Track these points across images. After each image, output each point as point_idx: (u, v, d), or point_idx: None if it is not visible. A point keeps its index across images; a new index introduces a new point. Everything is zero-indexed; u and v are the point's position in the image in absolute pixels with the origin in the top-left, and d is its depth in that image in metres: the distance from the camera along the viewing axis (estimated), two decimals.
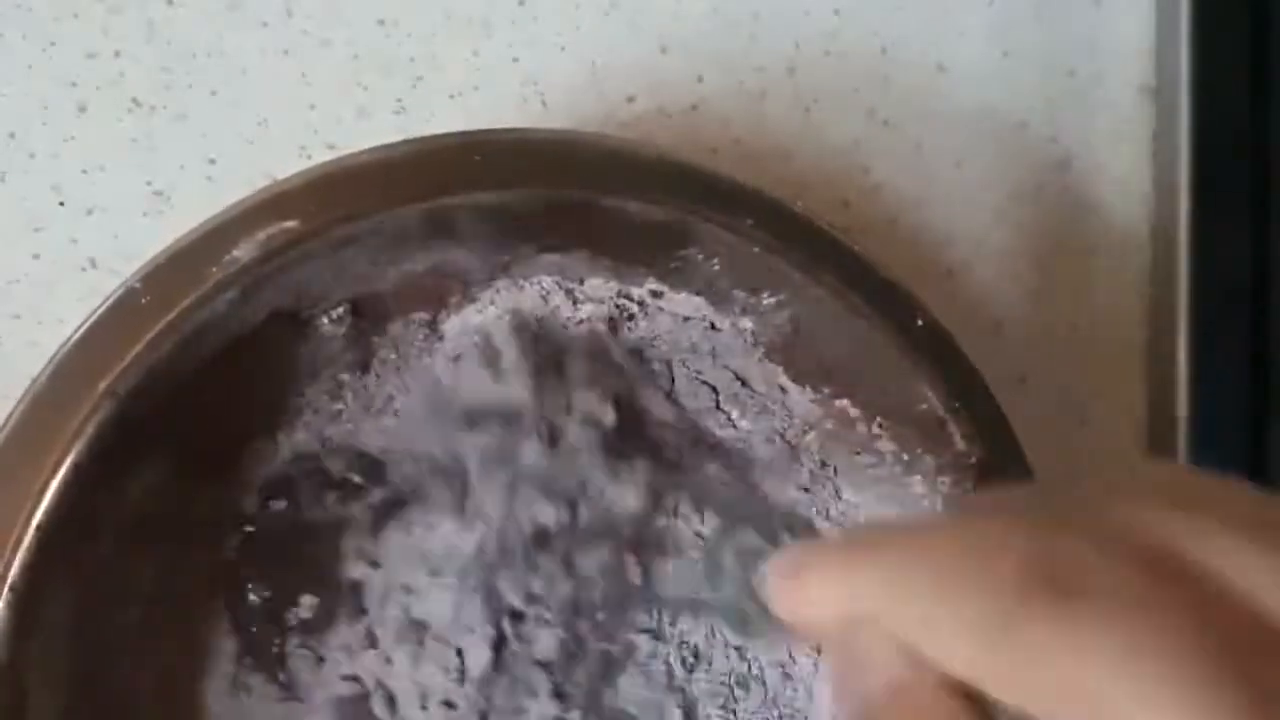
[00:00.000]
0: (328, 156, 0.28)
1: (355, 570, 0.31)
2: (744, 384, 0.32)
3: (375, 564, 0.31)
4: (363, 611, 0.31)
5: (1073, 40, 0.39)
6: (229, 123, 0.35)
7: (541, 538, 0.31)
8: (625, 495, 0.31)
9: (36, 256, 0.34)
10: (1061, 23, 0.39)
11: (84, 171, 0.34)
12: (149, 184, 0.35)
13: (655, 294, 0.30)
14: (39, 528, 0.24)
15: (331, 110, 0.35)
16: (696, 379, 0.32)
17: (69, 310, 0.34)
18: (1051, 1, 0.39)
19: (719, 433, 0.33)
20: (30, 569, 0.24)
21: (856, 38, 0.38)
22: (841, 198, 0.37)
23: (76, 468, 0.25)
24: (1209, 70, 0.37)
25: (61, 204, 0.34)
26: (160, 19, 0.35)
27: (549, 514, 0.31)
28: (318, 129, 0.35)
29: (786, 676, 0.32)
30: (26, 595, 0.24)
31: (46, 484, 0.24)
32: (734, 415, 0.33)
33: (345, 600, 0.31)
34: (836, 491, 0.32)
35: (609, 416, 0.31)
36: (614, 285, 0.30)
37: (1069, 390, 0.38)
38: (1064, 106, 0.39)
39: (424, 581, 0.31)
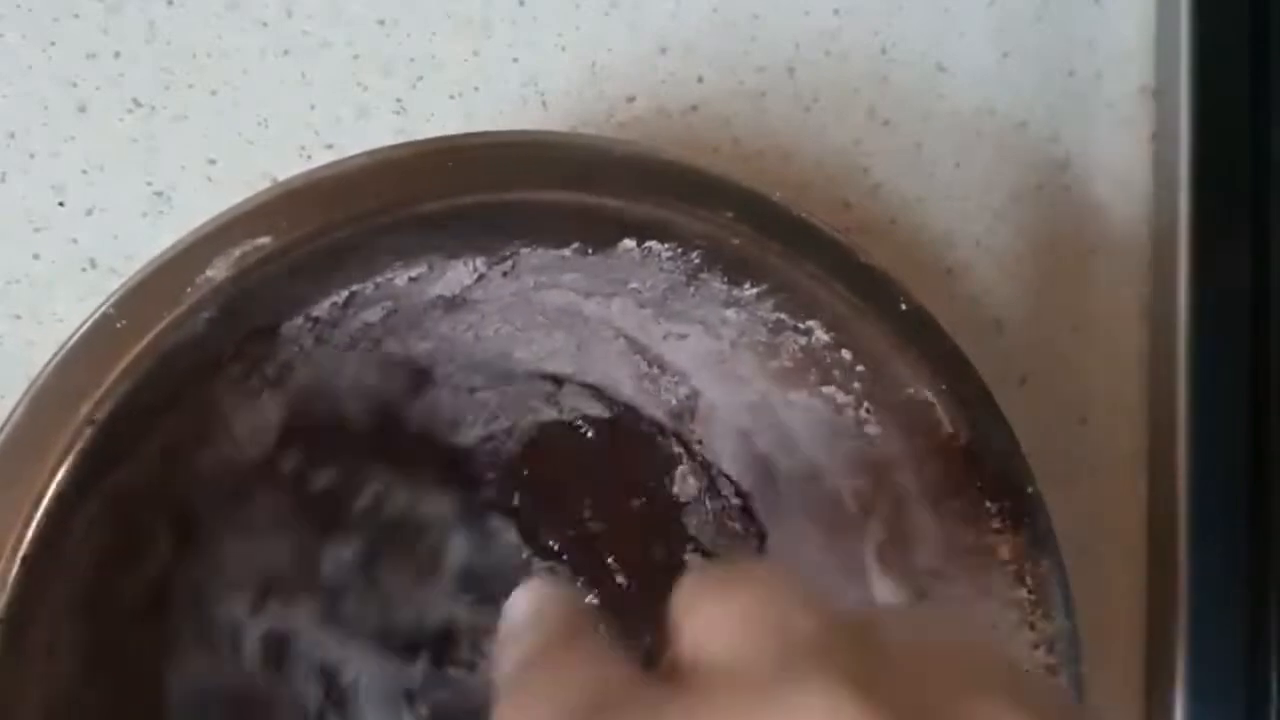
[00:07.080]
0: (328, 157, 0.28)
1: None
2: None
3: None
4: None
5: (1073, 40, 0.39)
6: (229, 123, 0.35)
7: None
8: None
9: (36, 256, 0.34)
10: (1061, 23, 0.39)
11: (84, 171, 0.34)
12: (149, 184, 0.35)
13: (638, 291, 0.30)
14: (24, 559, 0.24)
15: (331, 110, 0.35)
16: None
17: (69, 310, 0.34)
18: (1051, 2, 0.39)
19: None
20: (18, 600, 0.24)
21: (856, 38, 0.38)
22: (841, 198, 0.37)
23: (59, 498, 0.24)
24: (1209, 70, 0.37)
25: (61, 204, 0.34)
26: (160, 19, 0.35)
27: None
28: (318, 129, 0.35)
29: None
30: (15, 627, 0.24)
31: (31, 514, 0.24)
32: None
33: None
34: None
35: None
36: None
37: (1069, 390, 0.38)
38: (1064, 106, 0.39)
39: None
